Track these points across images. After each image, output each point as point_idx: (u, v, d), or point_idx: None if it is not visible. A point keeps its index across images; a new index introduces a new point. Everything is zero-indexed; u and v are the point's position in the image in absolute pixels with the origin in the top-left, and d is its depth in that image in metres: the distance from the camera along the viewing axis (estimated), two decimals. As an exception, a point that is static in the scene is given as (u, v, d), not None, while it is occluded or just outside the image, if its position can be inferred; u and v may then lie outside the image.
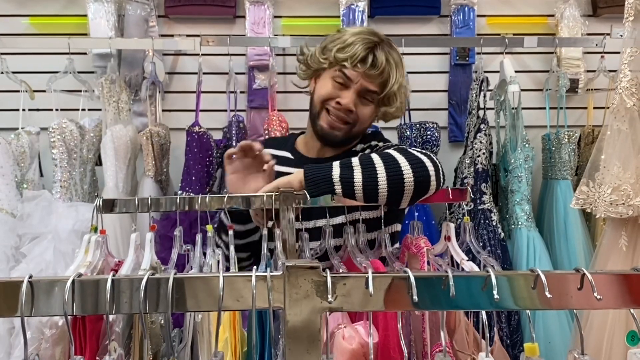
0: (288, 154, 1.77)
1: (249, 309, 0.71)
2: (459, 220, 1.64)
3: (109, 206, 1.52)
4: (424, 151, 1.46)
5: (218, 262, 1.45)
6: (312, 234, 1.58)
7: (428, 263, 1.38)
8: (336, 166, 1.40)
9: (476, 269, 1.34)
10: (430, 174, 1.39)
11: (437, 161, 1.44)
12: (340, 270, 1.33)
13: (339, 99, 1.61)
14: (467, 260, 1.39)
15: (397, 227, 1.71)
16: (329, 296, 0.69)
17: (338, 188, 1.38)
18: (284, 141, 1.86)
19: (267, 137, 2.75)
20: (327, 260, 1.50)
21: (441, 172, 1.44)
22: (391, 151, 1.43)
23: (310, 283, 0.70)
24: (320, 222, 1.62)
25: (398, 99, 1.65)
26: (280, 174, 1.65)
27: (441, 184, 1.44)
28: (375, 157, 1.41)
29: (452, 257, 1.53)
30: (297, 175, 1.43)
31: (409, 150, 1.44)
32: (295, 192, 1.39)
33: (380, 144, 1.72)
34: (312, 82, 1.75)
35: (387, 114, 1.69)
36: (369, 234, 1.61)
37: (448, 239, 1.52)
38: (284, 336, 0.70)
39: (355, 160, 1.41)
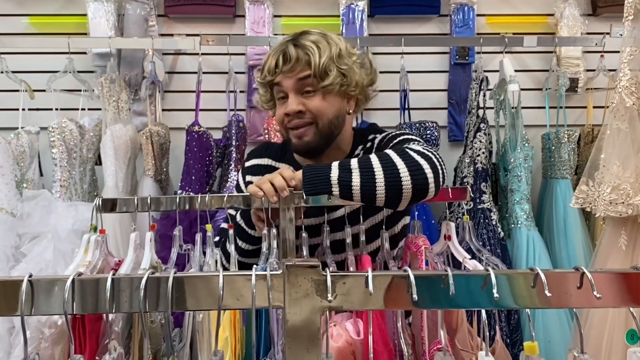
0: (288, 166, 1.71)
1: (249, 308, 0.71)
2: (459, 219, 1.65)
3: (108, 206, 1.52)
4: (426, 150, 1.43)
5: (216, 261, 1.45)
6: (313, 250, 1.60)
7: (427, 262, 1.38)
8: (335, 168, 1.39)
9: (480, 267, 1.34)
10: (428, 179, 1.36)
11: (437, 162, 1.41)
12: (331, 269, 1.33)
13: (286, 110, 1.56)
14: (470, 259, 1.38)
15: (406, 219, 1.70)
16: (329, 295, 0.69)
17: (335, 190, 1.36)
18: (282, 151, 1.80)
19: (264, 141, 2.73)
20: None
21: (441, 175, 1.41)
22: (391, 153, 1.40)
23: (310, 282, 0.70)
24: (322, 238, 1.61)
25: (334, 68, 1.54)
26: None
27: (440, 186, 1.43)
28: (374, 160, 1.39)
29: (451, 256, 1.53)
30: (295, 174, 1.43)
31: (410, 151, 1.41)
32: (294, 192, 1.39)
33: (379, 136, 1.66)
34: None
35: (331, 88, 1.55)
36: (371, 245, 1.61)
37: (448, 238, 1.52)
38: (284, 335, 0.70)
39: (354, 163, 1.39)
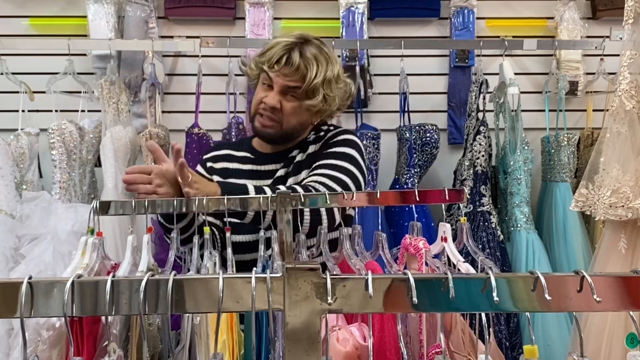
0: (247, 154, 1.88)
1: (249, 311, 0.71)
2: (458, 221, 1.65)
3: (105, 208, 1.52)
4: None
5: (215, 263, 1.45)
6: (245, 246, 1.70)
7: (426, 264, 1.38)
8: (252, 192, 1.54)
9: (472, 270, 1.34)
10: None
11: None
12: (336, 272, 1.33)
13: (264, 99, 1.74)
14: (464, 262, 1.39)
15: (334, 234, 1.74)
16: (329, 298, 0.69)
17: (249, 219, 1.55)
18: (238, 143, 2.02)
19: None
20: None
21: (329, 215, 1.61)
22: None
23: (309, 285, 0.70)
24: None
25: (321, 92, 1.72)
26: (242, 172, 1.82)
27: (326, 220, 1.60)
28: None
29: (449, 258, 1.53)
30: (213, 187, 1.53)
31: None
32: (292, 194, 1.40)
33: (332, 130, 1.85)
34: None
35: (312, 108, 1.75)
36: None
37: (445, 239, 1.52)
38: (284, 338, 0.70)
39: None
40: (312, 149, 1.82)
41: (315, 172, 1.70)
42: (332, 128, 1.88)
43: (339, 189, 1.63)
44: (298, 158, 1.81)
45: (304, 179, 1.73)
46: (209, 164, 1.89)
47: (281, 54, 1.72)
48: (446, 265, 1.45)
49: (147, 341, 1.26)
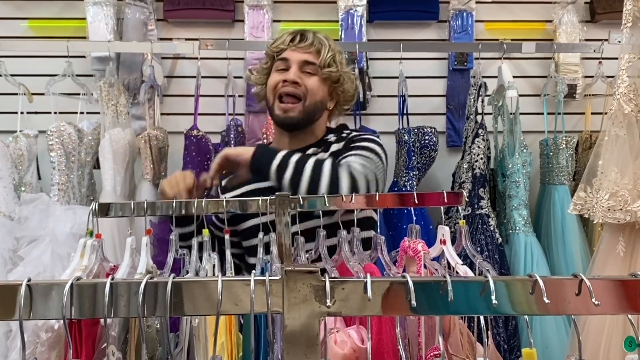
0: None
1: (247, 313, 0.71)
2: (456, 224, 1.65)
3: (104, 210, 1.52)
4: (361, 168, 1.64)
5: (214, 266, 1.45)
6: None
7: (425, 267, 1.38)
8: (279, 157, 1.64)
9: (470, 273, 1.34)
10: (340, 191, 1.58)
11: (363, 182, 1.61)
12: (333, 275, 1.34)
13: (285, 77, 1.79)
14: (462, 264, 1.39)
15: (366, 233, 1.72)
16: (328, 300, 0.69)
17: (273, 175, 1.63)
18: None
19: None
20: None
21: (363, 191, 1.60)
22: (327, 163, 1.64)
23: (308, 287, 0.70)
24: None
25: (336, 65, 1.81)
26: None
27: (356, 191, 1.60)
28: (309, 163, 1.64)
29: (448, 261, 1.53)
30: (248, 151, 1.66)
31: (342, 169, 1.63)
32: (291, 197, 1.40)
33: (353, 132, 1.89)
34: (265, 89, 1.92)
35: (332, 75, 1.80)
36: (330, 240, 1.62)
37: (443, 242, 1.52)
38: (283, 340, 0.70)
39: (294, 158, 1.65)
40: (335, 147, 1.83)
41: (346, 155, 1.73)
42: (353, 132, 1.90)
43: (370, 165, 1.69)
44: (319, 157, 1.78)
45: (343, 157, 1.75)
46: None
47: (294, 34, 1.82)
48: (446, 269, 1.45)
49: (145, 343, 1.26)
